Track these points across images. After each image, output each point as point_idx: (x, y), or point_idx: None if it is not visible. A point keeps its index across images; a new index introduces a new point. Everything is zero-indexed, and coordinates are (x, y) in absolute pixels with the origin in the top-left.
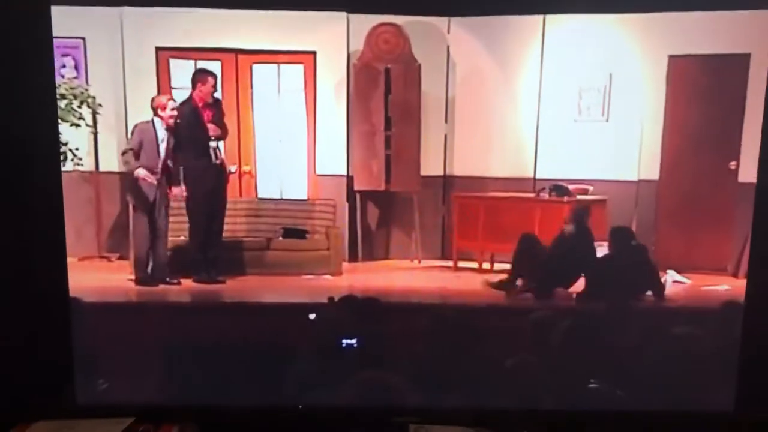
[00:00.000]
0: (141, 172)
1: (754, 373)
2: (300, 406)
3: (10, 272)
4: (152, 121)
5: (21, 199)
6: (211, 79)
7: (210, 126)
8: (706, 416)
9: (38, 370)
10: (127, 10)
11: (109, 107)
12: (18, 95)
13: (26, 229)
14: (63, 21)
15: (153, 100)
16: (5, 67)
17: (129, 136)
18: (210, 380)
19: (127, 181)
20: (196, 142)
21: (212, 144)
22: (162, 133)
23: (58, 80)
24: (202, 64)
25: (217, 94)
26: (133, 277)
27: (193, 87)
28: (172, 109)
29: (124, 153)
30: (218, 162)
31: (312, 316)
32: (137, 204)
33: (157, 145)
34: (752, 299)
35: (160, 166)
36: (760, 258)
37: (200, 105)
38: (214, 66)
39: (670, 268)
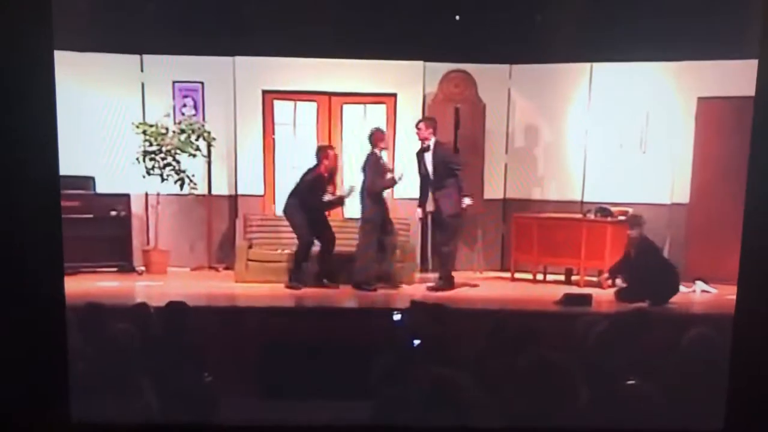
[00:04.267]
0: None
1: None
2: None
3: (2, 284)
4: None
5: (16, 205)
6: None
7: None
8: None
9: (31, 386)
10: (239, 59)
11: (221, 140)
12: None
13: (21, 239)
14: (185, 68)
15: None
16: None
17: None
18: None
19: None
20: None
21: None
22: None
23: (179, 117)
24: (300, 105)
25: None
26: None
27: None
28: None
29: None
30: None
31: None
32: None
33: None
34: (742, 313)
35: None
36: (750, 270)
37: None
38: (311, 107)
39: (699, 279)
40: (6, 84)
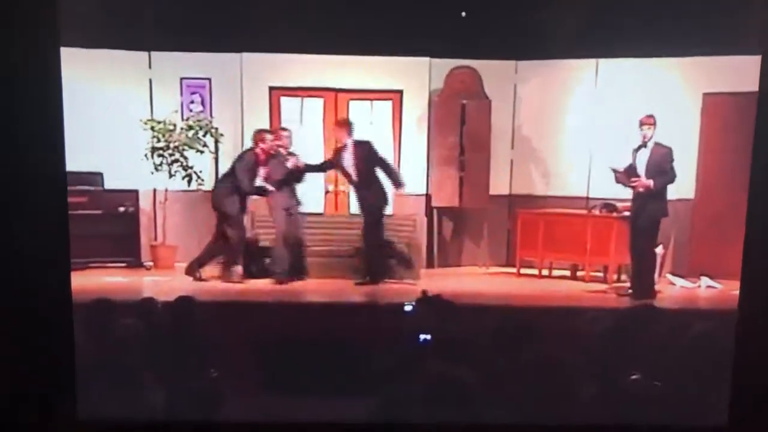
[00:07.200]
0: None
1: (748, 383)
2: None
3: (7, 280)
4: None
5: (22, 202)
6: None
7: None
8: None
9: (37, 383)
10: (247, 56)
11: (229, 136)
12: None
13: (27, 235)
14: (192, 64)
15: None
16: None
17: None
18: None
19: None
20: None
21: None
22: None
23: (186, 113)
24: (307, 102)
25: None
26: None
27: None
28: None
29: None
30: None
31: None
32: None
33: None
34: (746, 307)
35: None
36: (753, 266)
37: None
38: (317, 103)
39: (704, 275)
40: (13, 81)
